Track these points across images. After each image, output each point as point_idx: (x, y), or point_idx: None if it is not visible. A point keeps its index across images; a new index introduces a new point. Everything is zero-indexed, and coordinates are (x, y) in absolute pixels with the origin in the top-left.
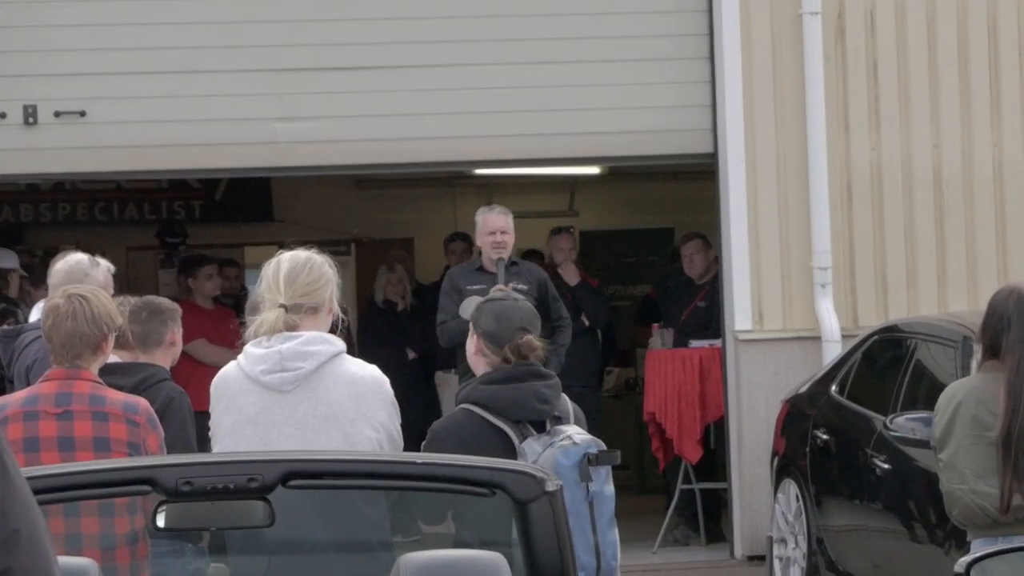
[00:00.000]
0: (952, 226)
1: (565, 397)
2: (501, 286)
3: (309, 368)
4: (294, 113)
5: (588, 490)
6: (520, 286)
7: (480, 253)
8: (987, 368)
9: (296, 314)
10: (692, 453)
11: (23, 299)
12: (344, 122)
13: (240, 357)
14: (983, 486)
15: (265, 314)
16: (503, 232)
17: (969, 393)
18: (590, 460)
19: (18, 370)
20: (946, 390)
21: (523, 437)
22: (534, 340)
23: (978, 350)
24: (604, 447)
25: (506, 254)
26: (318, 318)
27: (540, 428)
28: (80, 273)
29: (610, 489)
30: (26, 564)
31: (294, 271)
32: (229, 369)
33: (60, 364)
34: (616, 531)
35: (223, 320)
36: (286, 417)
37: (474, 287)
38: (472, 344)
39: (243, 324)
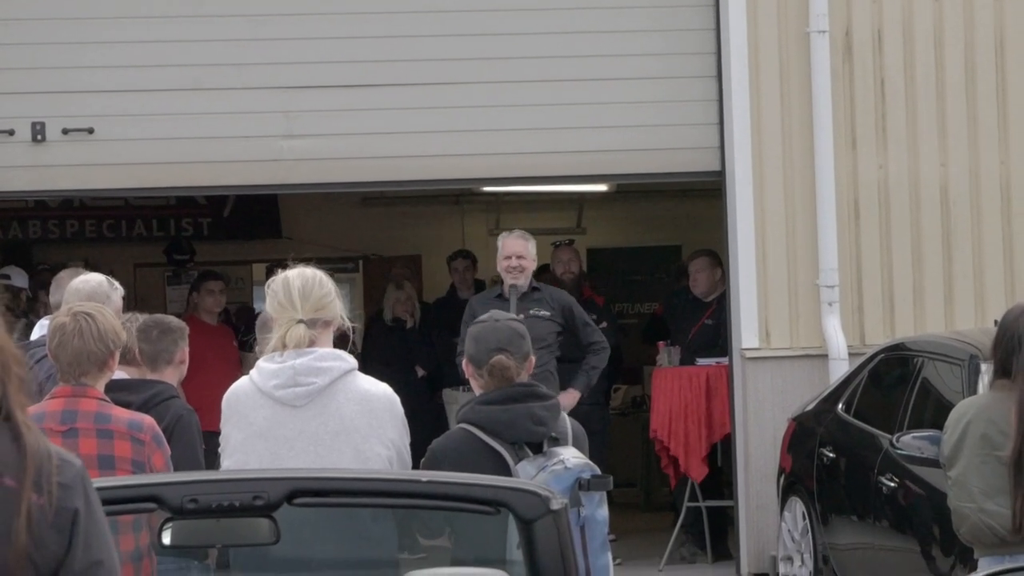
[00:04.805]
0: (959, 244)
1: (565, 417)
2: (512, 315)
3: (322, 384)
4: (300, 130)
5: (579, 515)
6: (541, 312)
7: (501, 281)
8: (998, 387)
9: (313, 328)
10: (697, 471)
11: (35, 313)
12: (350, 139)
13: (252, 372)
14: (991, 505)
15: (287, 329)
16: (519, 256)
17: (979, 411)
18: (581, 485)
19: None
20: (956, 408)
21: (519, 458)
22: (505, 359)
23: (989, 369)
24: (598, 471)
25: (523, 279)
26: (329, 331)
27: (537, 448)
28: (102, 295)
29: (603, 513)
30: None
31: (307, 287)
32: (241, 384)
33: (66, 382)
34: (609, 555)
35: (224, 336)
36: (298, 432)
37: None
38: (464, 367)
39: (244, 340)
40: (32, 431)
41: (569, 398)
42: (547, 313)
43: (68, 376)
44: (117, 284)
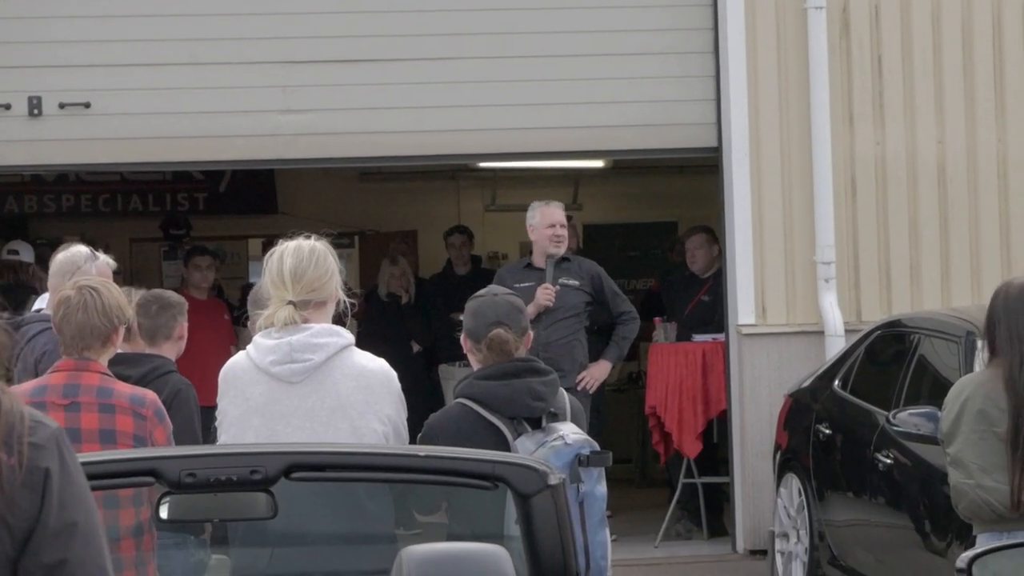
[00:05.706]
0: (956, 221)
1: (563, 392)
2: (547, 284)
3: (318, 360)
4: (298, 105)
5: (579, 491)
6: (571, 281)
7: (531, 251)
8: (994, 364)
9: (304, 309)
10: (691, 449)
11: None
12: (348, 114)
13: (249, 348)
14: (989, 481)
15: (275, 310)
16: (562, 225)
17: (977, 388)
18: (581, 461)
19: (24, 361)
20: (955, 385)
21: (517, 434)
22: (503, 333)
23: (985, 345)
24: (597, 448)
25: (563, 248)
26: (325, 309)
27: (536, 424)
28: (72, 266)
29: (601, 489)
30: (81, 556)
31: (300, 267)
32: (238, 359)
33: (70, 356)
34: (607, 531)
35: (215, 310)
36: (294, 408)
37: (522, 284)
38: (463, 342)
39: (236, 314)
40: (6, 393)
41: (600, 369)
42: (576, 283)
43: (71, 350)
44: (102, 255)
